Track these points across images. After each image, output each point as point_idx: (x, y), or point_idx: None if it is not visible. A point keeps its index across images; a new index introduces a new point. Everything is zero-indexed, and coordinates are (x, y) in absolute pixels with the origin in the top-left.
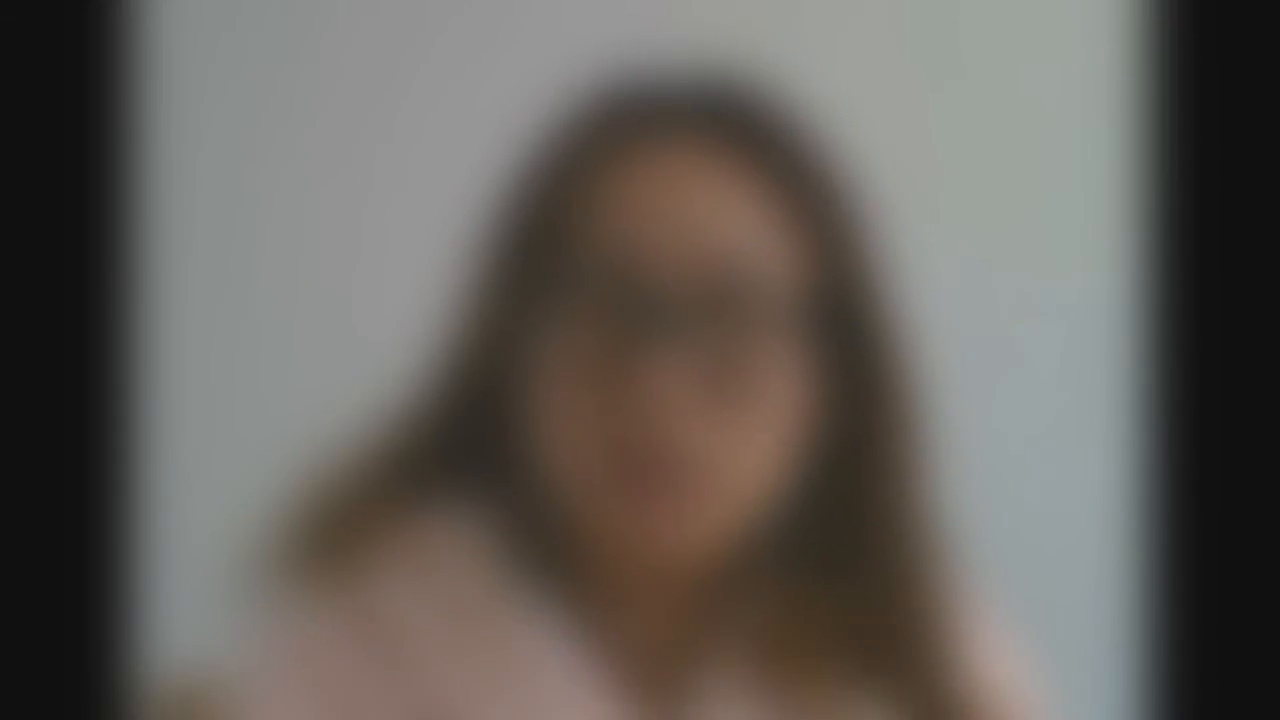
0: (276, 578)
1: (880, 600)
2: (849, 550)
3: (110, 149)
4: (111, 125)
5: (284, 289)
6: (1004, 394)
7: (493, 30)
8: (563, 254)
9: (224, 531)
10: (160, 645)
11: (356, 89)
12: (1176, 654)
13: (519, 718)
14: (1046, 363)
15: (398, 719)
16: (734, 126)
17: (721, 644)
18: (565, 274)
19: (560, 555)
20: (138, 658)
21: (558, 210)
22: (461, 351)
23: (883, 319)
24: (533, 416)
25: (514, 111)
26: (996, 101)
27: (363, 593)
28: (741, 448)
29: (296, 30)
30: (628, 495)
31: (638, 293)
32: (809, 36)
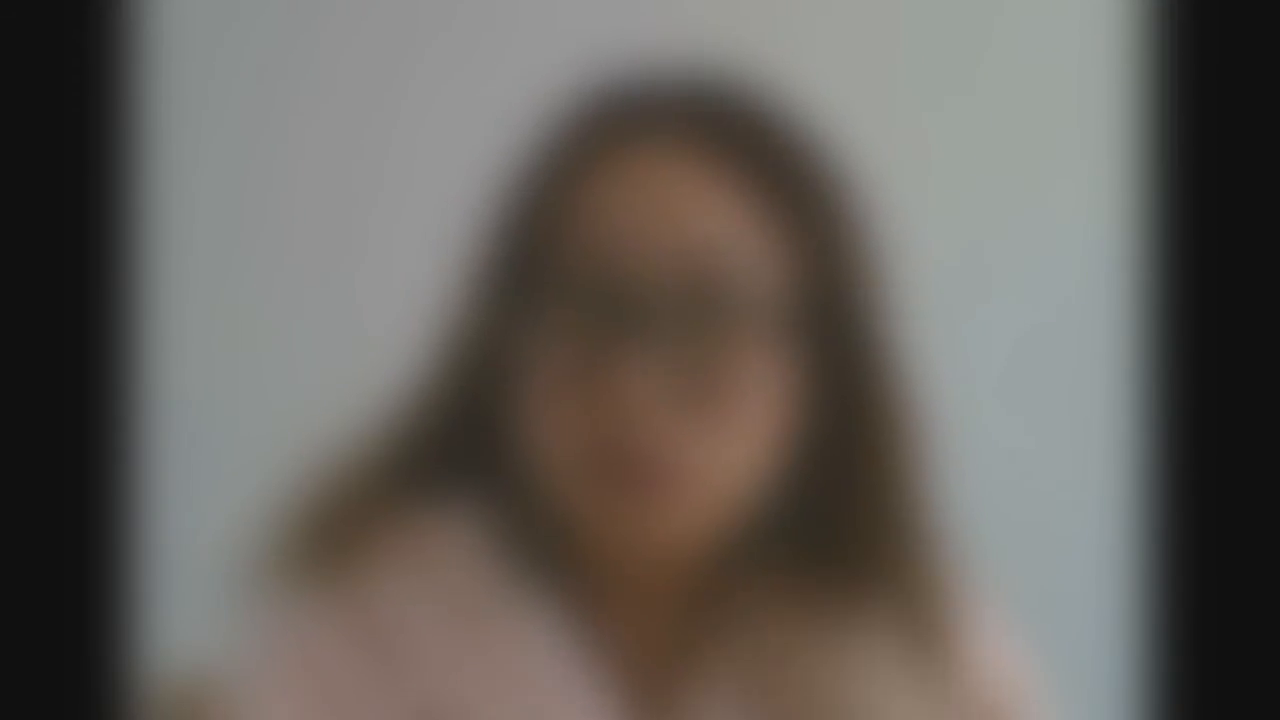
0: (275, 577)
1: (873, 600)
2: (840, 550)
3: (111, 148)
4: (112, 124)
5: (282, 290)
6: (1001, 391)
7: (487, 32)
8: (550, 257)
9: (223, 531)
10: (160, 645)
11: (354, 89)
12: (1176, 652)
13: (515, 716)
14: (1045, 361)
15: (395, 718)
16: (722, 126)
17: (714, 643)
18: (551, 277)
19: (553, 554)
20: (138, 658)
21: (545, 214)
22: (455, 353)
23: (870, 319)
24: (521, 418)
25: (507, 112)
26: (994, 99)
27: (360, 592)
28: (721, 447)
29: (294, 32)
30: (609, 495)
31: (619, 296)
32: (800, 34)
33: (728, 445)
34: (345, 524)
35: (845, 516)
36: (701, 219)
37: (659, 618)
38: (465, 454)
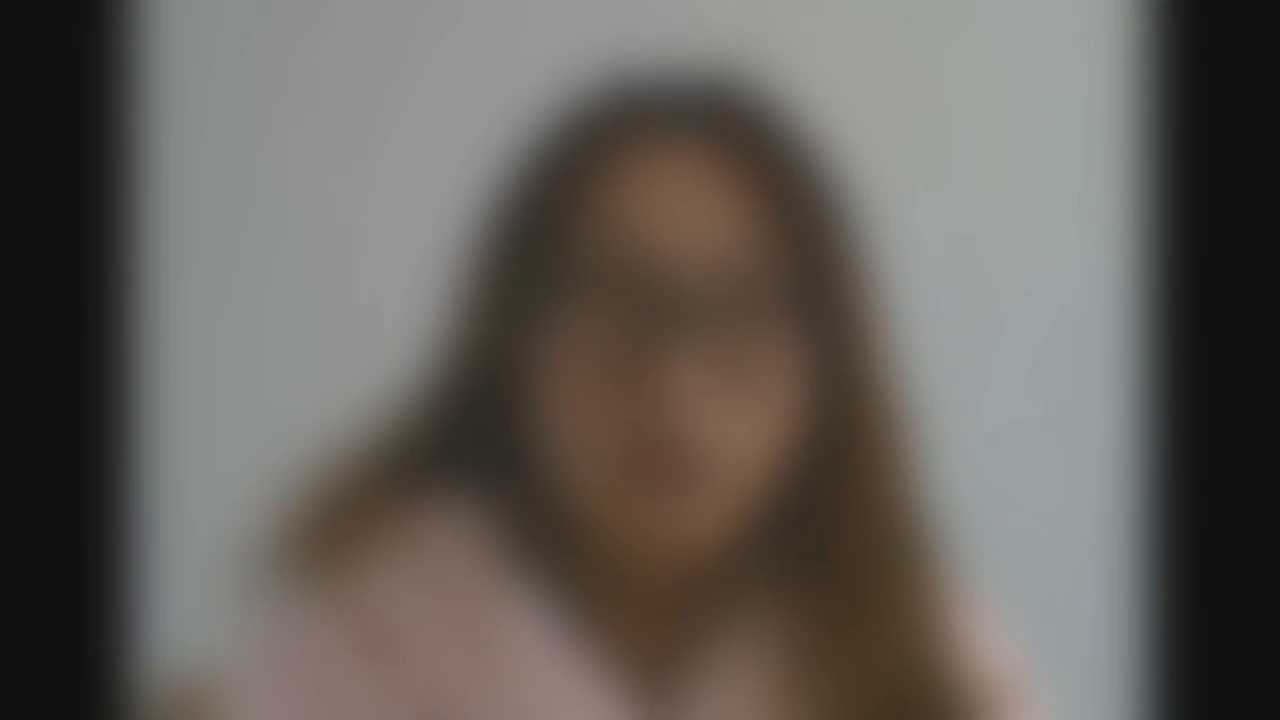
0: (275, 576)
1: (871, 591)
2: (838, 544)
3: (111, 146)
4: (112, 123)
5: (284, 285)
6: (998, 384)
7: (492, 28)
8: (567, 250)
9: (223, 530)
10: (160, 645)
11: (358, 85)
12: (1174, 650)
13: (516, 717)
14: (1042, 353)
15: (394, 718)
16: (731, 123)
17: (717, 639)
18: (572, 270)
19: (561, 552)
20: (137, 658)
21: (560, 206)
22: (465, 348)
23: (870, 313)
24: (541, 412)
25: (514, 108)
26: (992, 86)
27: (360, 591)
28: (749, 439)
29: (296, 30)
30: (646, 490)
31: (649, 289)
32: (804, 29)
33: (754, 436)
34: (346, 523)
35: (840, 513)
36: (717, 212)
37: (663, 614)
38: (470, 451)
